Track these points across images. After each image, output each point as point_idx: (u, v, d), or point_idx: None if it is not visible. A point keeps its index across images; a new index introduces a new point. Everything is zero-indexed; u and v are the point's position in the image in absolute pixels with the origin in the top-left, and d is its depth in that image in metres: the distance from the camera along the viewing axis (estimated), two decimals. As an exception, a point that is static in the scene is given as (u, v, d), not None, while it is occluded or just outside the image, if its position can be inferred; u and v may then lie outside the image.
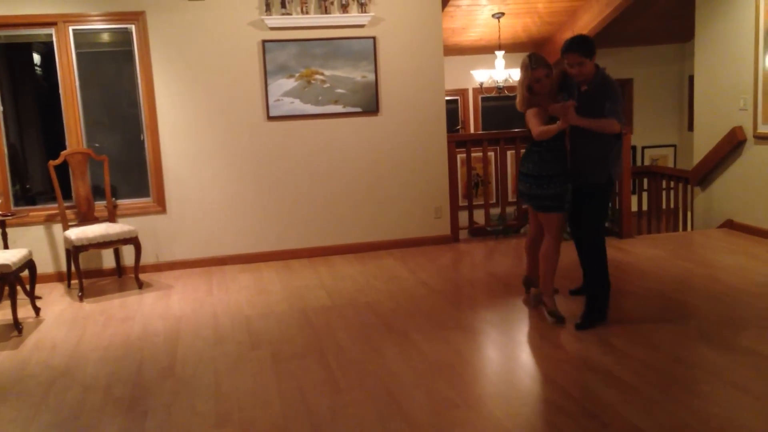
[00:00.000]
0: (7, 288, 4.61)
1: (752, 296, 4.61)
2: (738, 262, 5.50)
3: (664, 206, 7.79)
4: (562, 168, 4.24)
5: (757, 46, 6.17)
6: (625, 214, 6.46)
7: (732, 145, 6.56)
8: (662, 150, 10.42)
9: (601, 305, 4.23)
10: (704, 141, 7.01)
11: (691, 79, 8.37)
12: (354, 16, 6.12)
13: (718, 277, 5.11)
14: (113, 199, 5.91)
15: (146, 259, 5.96)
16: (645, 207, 7.95)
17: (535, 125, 4.15)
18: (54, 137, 6.27)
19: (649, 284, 5.02)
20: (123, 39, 6.05)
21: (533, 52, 4.32)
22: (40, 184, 7.13)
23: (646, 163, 10.13)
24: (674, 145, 10.47)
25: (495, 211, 7.13)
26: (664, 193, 7.77)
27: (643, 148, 10.35)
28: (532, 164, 4.28)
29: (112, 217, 5.84)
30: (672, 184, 7.67)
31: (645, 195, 7.97)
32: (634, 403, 3.14)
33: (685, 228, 7.50)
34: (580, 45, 4.03)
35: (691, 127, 8.91)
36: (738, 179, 6.62)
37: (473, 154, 6.99)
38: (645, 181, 8.03)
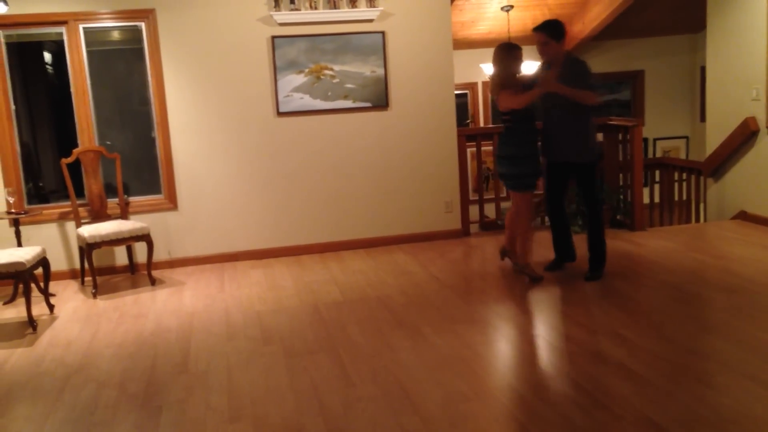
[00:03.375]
0: (21, 286, 4.66)
1: (766, 287, 4.57)
2: (751, 254, 5.46)
3: (676, 198, 7.74)
4: (532, 149, 4.84)
5: (769, 35, 6.12)
6: (637, 207, 6.41)
7: (745, 136, 6.51)
8: (674, 141, 10.36)
9: (603, 255, 4.93)
10: (717, 132, 6.96)
11: (703, 69, 8.31)
12: (363, 11, 6.12)
13: (732, 268, 5.08)
14: (125, 196, 5.94)
15: (158, 255, 5.99)
16: (657, 199, 7.90)
17: (515, 98, 4.71)
18: (66, 135, 6.31)
19: (661, 276, 4.99)
20: (133, 37, 6.08)
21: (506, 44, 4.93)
22: (52, 182, 7.19)
23: (658, 154, 10.06)
24: (686, 137, 10.40)
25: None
26: (676, 184, 7.73)
27: (655, 139, 10.29)
28: (505, 146, 4.92)
29: (124, 215, 5.88)
30: (684, 175, 7.62)
31: (657, 187, 7.93)
32: (647, 395, 3.13)
33: (697, 220, 7.45)
34: (548, 26, 4.56)
35: (703, 118, 8.84)
36: (751, 170, 6.56)
37: (483, 148, 6.97)
38: (657, 173, 7.97)
